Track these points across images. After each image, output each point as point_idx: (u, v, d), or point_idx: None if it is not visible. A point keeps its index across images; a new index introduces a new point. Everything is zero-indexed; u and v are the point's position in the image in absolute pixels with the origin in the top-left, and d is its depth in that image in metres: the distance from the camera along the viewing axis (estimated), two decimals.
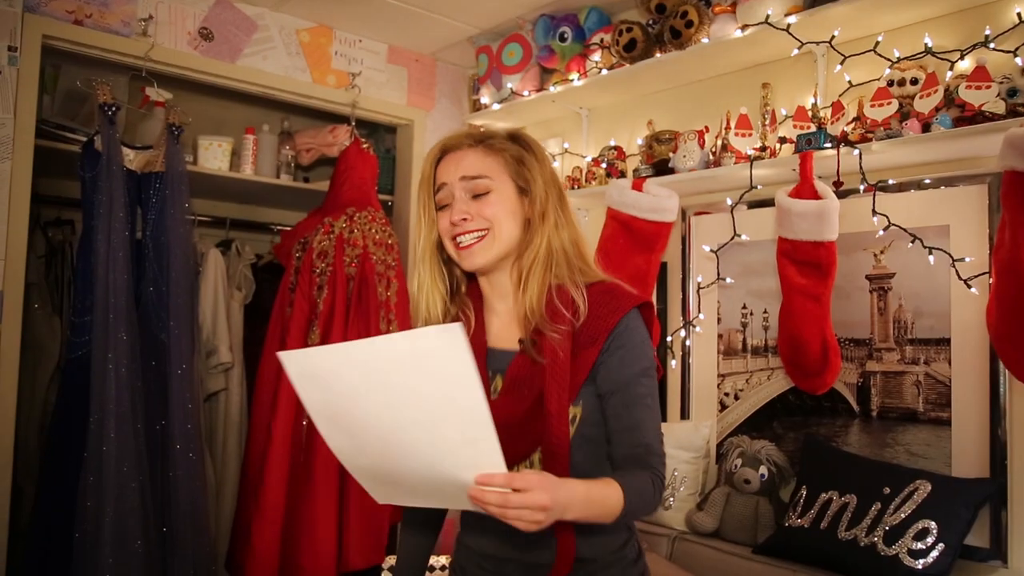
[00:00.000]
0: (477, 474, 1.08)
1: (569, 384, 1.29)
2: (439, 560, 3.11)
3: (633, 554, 1.41)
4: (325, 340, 2.99)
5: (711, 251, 2.67)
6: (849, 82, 2.31)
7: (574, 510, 1.13)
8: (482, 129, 1.51)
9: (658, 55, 2.70)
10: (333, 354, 1.13)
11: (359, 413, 1.14)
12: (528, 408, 1.31)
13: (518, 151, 1.39)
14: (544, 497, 1.07)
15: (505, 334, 1.40)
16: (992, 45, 2.01)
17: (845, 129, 2.22)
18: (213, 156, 3.18)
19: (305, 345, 3.01)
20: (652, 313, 1.38)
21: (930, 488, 1.99)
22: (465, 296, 1.46)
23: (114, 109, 2.68)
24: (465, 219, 1.34)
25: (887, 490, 2.04)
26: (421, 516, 1.57)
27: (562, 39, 3.05)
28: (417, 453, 1.12)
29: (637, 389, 1.29)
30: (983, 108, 1.95)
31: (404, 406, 1.09)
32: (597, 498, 1.17)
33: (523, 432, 1.31)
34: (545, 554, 1.33)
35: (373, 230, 3.17)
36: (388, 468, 1.19)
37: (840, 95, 2.31)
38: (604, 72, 2.88)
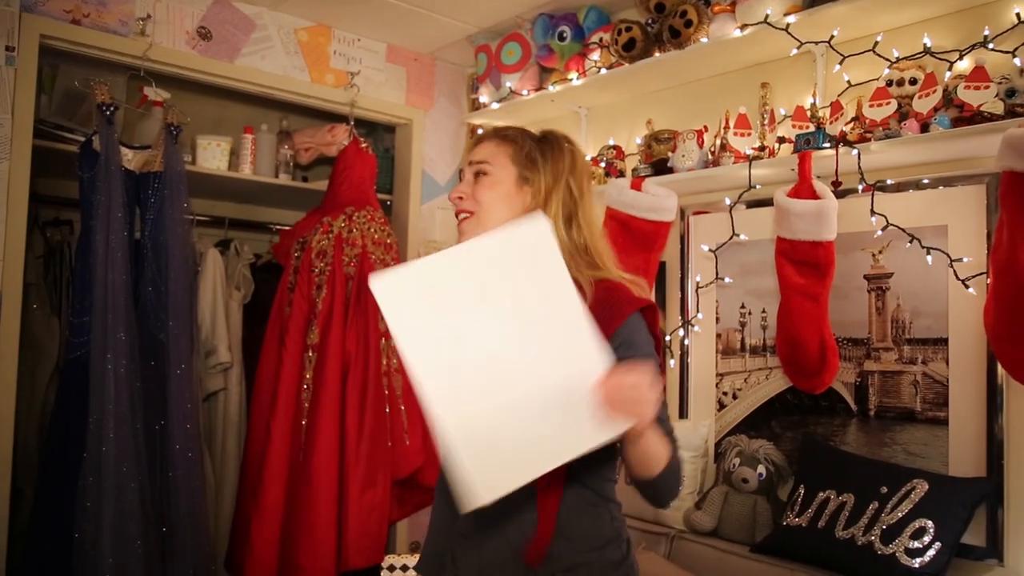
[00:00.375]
0: (594, 376, 1.08)
1: None
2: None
3: (616, 556, 1.41)
4: (324, 340, 2.99)
5: (710, 251, 2.68)
6: (848, 82, 2.31)
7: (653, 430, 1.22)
8: (516, 127, 1.59)
9: (657, 54, 2.70)
10: (427, 268, 1.11)
11: (462, 331, 1.09)
12: None
13: (532, 145, 1.48)
14: (647, 383, 1.14)
15: None
16: (991, 45, 2.02)
17: (844, 129, 2.22)
18: (212, 156, 3.18)
19: (304, 344, 3.01)
20: (656, 315, 1.40)
21: (927, 487, 2.00)
22: None
23: (112, 109, 2.68)
24: (461, 198, 1.47)
25: (884, 489, 2.05)
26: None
27: (561, 38, 3.05)
28: (527, 367, 1.08)
29: None
30: (982, 108, 1.95)
31: (506, 314, 1.08)
32: (659, 432, 1.25)
33: None
34: (521, 541, 1.36)
35: (372, 229, 3.17)
36: (493, 406, 1.12)
37: (839, 95, 2.31)
38: (603, 71, 2.88)
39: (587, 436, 1.12)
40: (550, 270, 1.04)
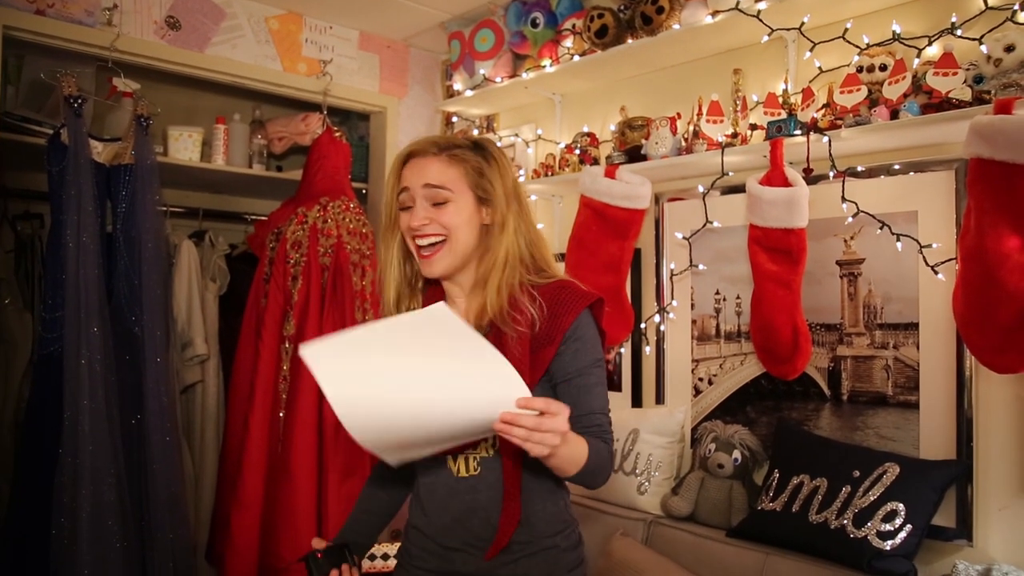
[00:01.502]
0: (508, 403, 1.17)
1: (528, 378, 1.37)
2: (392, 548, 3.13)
3: (570, 542, 1.50)
4: (300, 331, 2.98)
5: (684, 238, 2.69)
6: (819, 68, 2.31)
7: (566, 444, 1.25)
8: (449, 135, 1.62)
9: (629, 41, 2.69)
10: (349, 335, 1.26)
11: (385, 391, 1.22)
12: None
13: (480, 162, 1.48)
14: (566, 424, 1.21)
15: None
16: (959, 32, 2.03)
17: (815, 116, 2.23)
18: (183, 147, 3.15)
19: (280, 336, 3.00)
20: (602, 310, 1.48)
21: (898, 471, 2.02)
22: (422, 291, 1.58)
23: (80, 101, 2.64)
24: (424, 224, 1.45)
25: (857, 473, 2.07)
26: (390, 474, 1.62)
27: (534, 25, 3.03)
28: (446, 408, 1.20)
29: (589, 378, 1.43)
30: (950, 95, 1.97)
31: (417, 362, 1.20)
32: (573, 440, 1.29)
33: None
34: (487, 529, 1.43)
35: (347, 219, 3.15)
36: (415, 437, 1.27)
37: (810, 81, 2.31)
38: (576, 58, 2.87)
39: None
40: (458, 334, 1.18)
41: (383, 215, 1.56)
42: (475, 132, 3.56)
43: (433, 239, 1.45)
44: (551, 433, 1.18)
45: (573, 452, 1.30)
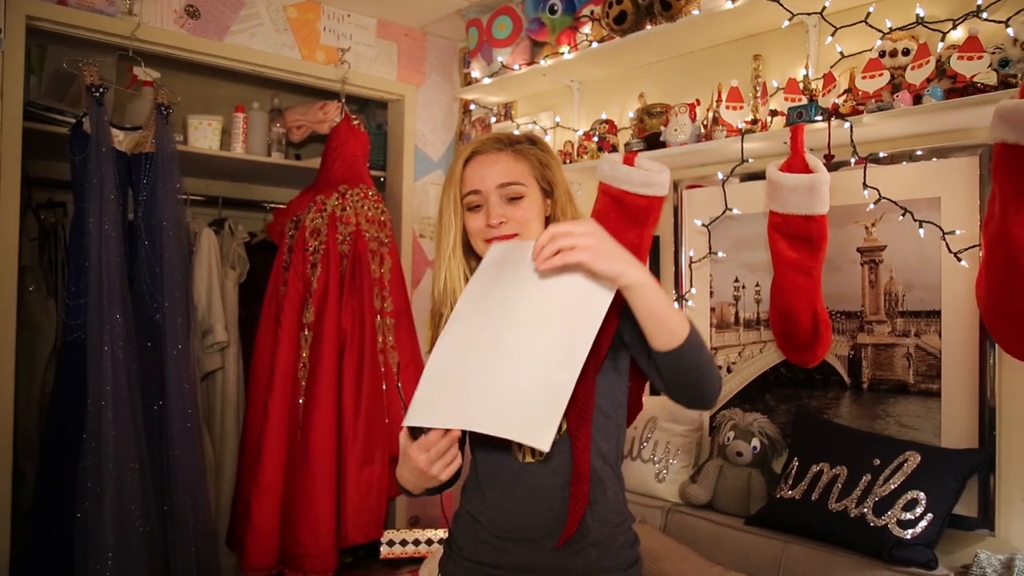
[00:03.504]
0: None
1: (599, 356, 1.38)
2: (437, 533, 3.15)
3: (628, 538, 1.47)
4: (320, 318, 3.00)
5: (703, 225, 2.67)
6: (841, 53, 2.28)
7: (634, 266, 1.23)
8: (501, 132, 1.62)
9: (648, 27, 2.67)
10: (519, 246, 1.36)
11: (502, 304, 1.33)
12: None
13: (541, 155, 1.49)
14: (584, 224, 1.23)
15: None
16: (984, 15, 1.99)
17: (836, 101, 2.20)
18: (203, 135, 3.16)
19: (299, 323, 3.02)
20: None
21: (919, 459, 2.01)
22: None
23: (102, 90, 2.66)
24: (503, 222, 1.43)
25: (877, 461, 2.06)
26: None
27: (552, 11, 3.02)
28: (523, 350, 1.28)
29: None
30: (975, 79, 1.94)
31: (535, 304, 1.29)
32: (660, 289, 1.26)
33: None
34: (547, 517, 1.39)
35: (365, 207, 3.16)
36: (479, 369, 1.31)
37: (832, 66, 2.29)
38: (595, 45, 2.85)
39: (531, 428, 1.24)
40: (593, 310, 1.24)
41: (439, 229, 1.51)
42: (492, 120, 3.55)
43: (507, 235, 1.44)
44: (568, 236, 1.20)
45: (665, 301, 1.24)
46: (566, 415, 1.33)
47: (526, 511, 1.41)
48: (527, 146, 1.49)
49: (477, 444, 1.47)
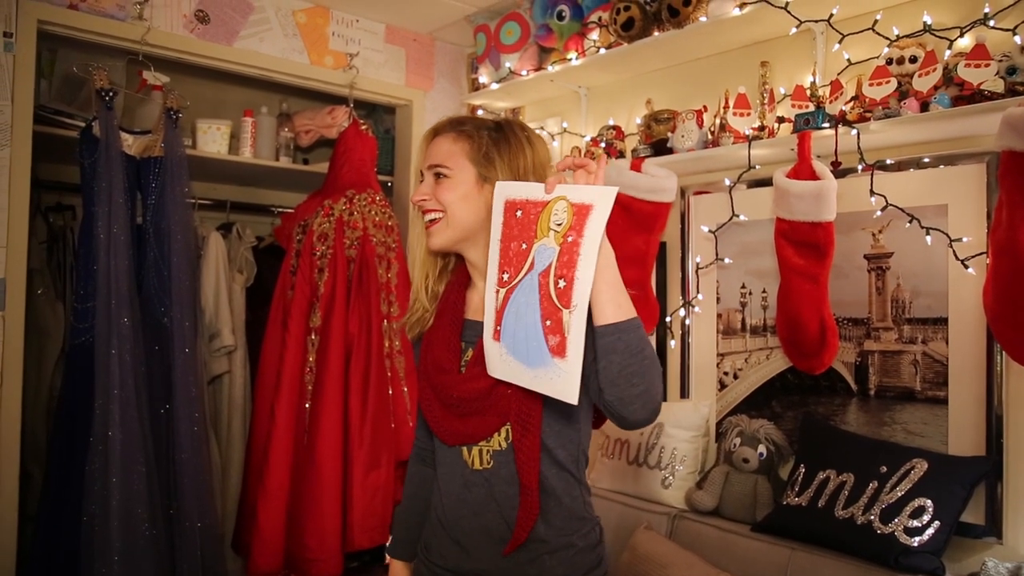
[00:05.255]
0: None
1: None
2: None
3: (587, 542, 1.46)
4: (327, 323, 3.01)
5: (710, 231, 2.67)
6: (848, 60, 2.29)
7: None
8: (474, 115, 1.61)
9: (656, 34, 2.68)
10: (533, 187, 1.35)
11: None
12: (496, 381, 1.37)
13: (490, 141, 1.45)
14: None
15: (482, 308, 1.43)
16: (992, 23, 2.00)
17: (843, 108, 2.21)
18: (212, 139, 3.18)
19: (307, 327, 3.03)
20: None
21: (927, 466, 2.00)
22: (452, 271, 1.58)
23: (111, 94, 2.68)
24: (424, 199, 1.47)
25: (884, 468, 2.06)
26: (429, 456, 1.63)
27: (560, 17, 3.02)
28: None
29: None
30: (982, 87, 1.94)
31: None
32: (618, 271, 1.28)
33: (492, 404, 1.39)
34: (501, 525, 1.41)
35: (373, 212, 3.17)
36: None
37: (839, 73, 2.29)
38: (602, 51, 2.86)
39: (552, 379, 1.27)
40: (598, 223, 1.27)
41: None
42: None
43: (433, 214, 1.46)
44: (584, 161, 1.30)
45: (617, 275, 1.26)
46: (511, 426, 1.38)
47: (479, 518, 1.43)
48: (477, 129, 1.46)
49: (437, 444, 1.50)
